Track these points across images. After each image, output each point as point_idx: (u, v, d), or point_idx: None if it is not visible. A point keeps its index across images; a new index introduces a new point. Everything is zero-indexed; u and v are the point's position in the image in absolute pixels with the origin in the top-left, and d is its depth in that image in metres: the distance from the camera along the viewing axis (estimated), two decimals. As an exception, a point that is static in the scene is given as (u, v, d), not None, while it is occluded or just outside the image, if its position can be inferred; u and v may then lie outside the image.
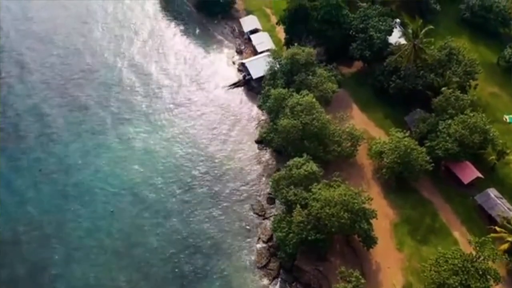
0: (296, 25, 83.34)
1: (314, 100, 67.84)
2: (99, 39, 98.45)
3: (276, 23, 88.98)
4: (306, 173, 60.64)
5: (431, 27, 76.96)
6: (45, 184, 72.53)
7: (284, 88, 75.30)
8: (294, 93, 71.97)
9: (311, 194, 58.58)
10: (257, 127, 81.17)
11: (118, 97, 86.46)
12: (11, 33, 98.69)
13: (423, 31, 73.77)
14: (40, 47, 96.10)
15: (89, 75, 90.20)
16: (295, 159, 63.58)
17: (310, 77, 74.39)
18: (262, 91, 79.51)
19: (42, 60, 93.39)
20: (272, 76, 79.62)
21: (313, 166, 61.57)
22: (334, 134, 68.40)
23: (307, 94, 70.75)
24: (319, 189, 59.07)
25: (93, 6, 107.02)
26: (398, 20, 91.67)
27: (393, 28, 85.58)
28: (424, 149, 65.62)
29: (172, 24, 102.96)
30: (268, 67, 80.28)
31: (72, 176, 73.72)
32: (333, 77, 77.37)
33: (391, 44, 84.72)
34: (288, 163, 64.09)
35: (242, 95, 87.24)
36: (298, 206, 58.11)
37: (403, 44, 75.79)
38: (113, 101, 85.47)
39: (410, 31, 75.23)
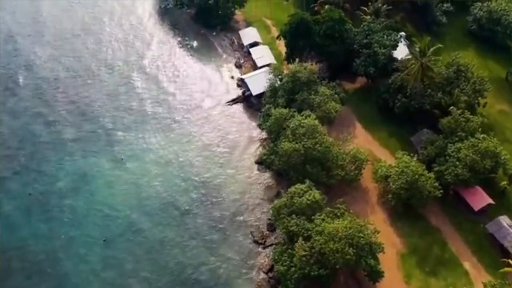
0: (297, 40, 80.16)
1: (316, 122, 64.71)
2: (94, 52, 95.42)
3: (277, 37, 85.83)
4: (308, 202, 57.48)
5: (440, 45, 73.88)
6: (36, 209, 69.28)
7: (285, 107, 72.23)
8: (296, 114, 68.91)
9: (314, 225, 55.44)
10: (257, 147, 77.91)
11: (112, 114, 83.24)
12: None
13: (431, 49, 70.60)
14: (33, 60, 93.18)
15: (82, 91, 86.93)
16: (296, 186, 60.44)
17: (312, 96, 71.26)
18: (262, 110, 76.41)
19: (34, 75, 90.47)
20: (272, 93, 76.50)
21: (316, 195, 58.40)
22: (338, 157, 65.28)
23: (309, 115, 67.66)
24: (323, 219, 55.94)
25: (85, 18, 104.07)
26: (403, 34, 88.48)
27: (398, 42, 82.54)
28: (432, 175, 62.44)
29: (170, 36, 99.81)
30: (269, 84, 77.33)
31: (64, 200, 70.47)
32: (336, 95, 74.27)
33: (396, 58, 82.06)
34: (289, 190, 60.94)
35: (242, 112, 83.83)
36: (301, 238, 54.95)
37: (409, 61, 72.57)
38: (107, 119, 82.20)
39: (417, 49, 72.03)
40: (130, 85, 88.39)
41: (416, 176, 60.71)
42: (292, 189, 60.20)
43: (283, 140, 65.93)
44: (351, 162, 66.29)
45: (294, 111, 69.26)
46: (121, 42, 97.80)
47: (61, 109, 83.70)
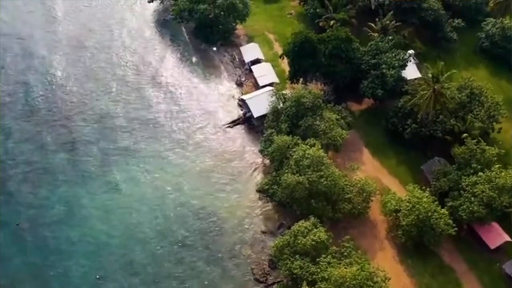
0: (301, 60, 76.10)
1: (322, 153, 60.70)
2: (87, 67, 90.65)
3: (280, 57, 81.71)
4: (313, 242, 53.52)
5: (454, 71, 69.84)
6: (24, 240, 65.28)
7: (288, 133, 68.19)
8: (300, 141, 64.93)
9: (319, 269, 51.46)
10: (258, 174, 73.82)
11: (106, 135, 78.86)
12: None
13: (445, 75, 66.57)
14: (24, 77, 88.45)
15: (76, 109, 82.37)
16: (300, 223, 56.50)
17: (317, 122, 67.24)
18: (264, 134, 72.31)
19: (25, 92, 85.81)
20: (274, 116, 72.42)
21: (321, 234, 54.40)
22: (345, 189, 61.28)
23: (314, 144, 63.69)
24: (329, 262, 51.98)
25: (77, 32, 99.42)
26: (412, 52, 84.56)
27: (407, 62, 78.60)
28: (446, 211, 58.37)
29: (168, 51, 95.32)
30: (271, 106, 73.27)
31: (54, 231, 66.23)
32: (342, 120, 70.30)
33: (404, 78, 78.08)
34: (292, 228, 57.01)
35: (242, 135, 79.58)
36: (305, 283, 51.02)
37: (420, 85, 68.37)
38: (101, 141, 77.63)
39: (429, 74, 67.94)
40: (124, 105, 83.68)
41: (429, 214, 56.69)
42: (296, 227, 56.29)
43: (286, 171, 62.02)
44: (358, 194, 62.29)
45: (298, 139, 65.28)
46: (116, 57, 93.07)
47: (53, 130, 79.84)
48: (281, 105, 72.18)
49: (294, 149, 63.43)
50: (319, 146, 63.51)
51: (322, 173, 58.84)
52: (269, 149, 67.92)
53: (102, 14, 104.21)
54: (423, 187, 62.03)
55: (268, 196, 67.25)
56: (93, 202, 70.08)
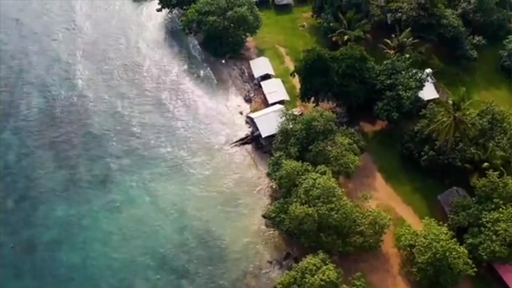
0: (313, 78, 72.56)
1: (333, 184, 57.13)
2: (89, 80, 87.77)
3: (291, 74, 78.13)
4: (322, 282, 50.08)
5: (477, 99, 65.84)
6: (20, 263, 62.60)
7: (297, 157, 64.78)
8: (309, 168, 61.47)
9: (328, 313, 48.16)
10: (265, 198, 70.46)
11: (108, 151, 76.06)
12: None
13: (467, 103, 62.67)
14: (23, 88, 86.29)
15: (77, 124, 79.84)
16: (308, 259, 53.07)
17: (329, 147, 63.75)
18: (272, 157, 68.95)
19: (27, 102, 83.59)
20: (283, 138, 68.92)
21: (330, 273, 50.89)
22: (356, 222, 57.70)
23: (325, 172, 60.21)
24: (338, 305, 48.67)
25: (80, 43, 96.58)
26: (429, 71, 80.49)
27: (424, 82, 74.79)
28: (465, 250, 54.47)
29: (175, 63, 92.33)
30: (280, 127, 69.88)
31: (52, 253, 63.63)
32: (355, 144, 66.67)
33: (421, 99, 74.33)
34: (300, 264, 53.61)
35: (249, 154, 76.10)
36: (312, 326, 47.80)
37: (439, 112, 64.33)
38: (104, 158, 74.99)
39: (450, 101, 64.02)
40: (127, 122, 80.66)
41: (447, 253, 52.89)
42: (304, 263, 52.86)
43: (295, 200, 58.61)
44: (370, 226, 58.64)
45: (308, 165, 61.81)
46: (119, 71, 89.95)
47: (54, 145, 77.36)
48: (291, 126, 68.84)
49: (303, 177, 60.00)
50: (330, 175, 60.03)
51: (333, 205, 55.33)
52: (277, 173, 64.50)
53: (107, 24, 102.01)
54: (440, 222, 58.07)
55: (274, 224, 63.86)
56: (93, 223, 67.48)
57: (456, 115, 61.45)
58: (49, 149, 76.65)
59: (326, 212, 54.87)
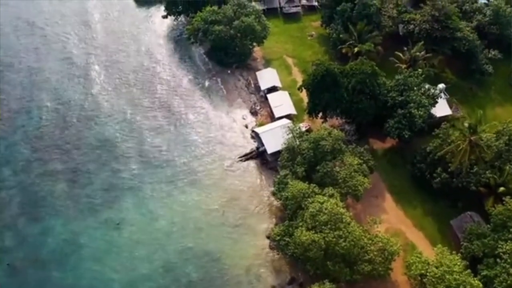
0: (322, 93, 69.90)
1: (341, 209, 54.46)
2: (92, 89, 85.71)
3: (298, 88, 75.43)
4: (328, 315, 47.67)
5: (495, 122, 62.81)
6: (15, 282, 60.86)
7: (304, 177, 62.24)
8: (316, 190, 58.77)
9: None
10: (269, 216, 68.04)
11: (110, 164, 73.83)
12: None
13: (484, 127, 59.70)
14: (25, 95, 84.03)
15: (78, 135, 77.62)
16: (314, 289, 50.62)
17: (337, 168, 61.11)
18: (278, 176, 66.42)
19: (27, 112, 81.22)
20: (290, 155, 66.25)
21: (337, 306, 48.51)
22: (364, 248, 54.97)
23: (333, 195, 57.59)
24: None
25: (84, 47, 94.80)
26: (442, 86, 77.95)
27: (437, 99, 71.97)
28: (479, 284, 51.50)
29: (179, 73, 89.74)
30: (286, 144, 67.24)
31: (48, 272, 61.67)
32: (364, 164, 63.94)
33: (433, 115, 71.65)
34: (305, 295, 51.23)
35: (255, 171, 73.61)
36: None
37: (453, 134, 61.30)
38: (105, 171, 72.83)
39: (466, 124, 61.08)
40: (129, 133, 78.25)
41: (460, 287, 50.02)
42: (309, 293, 50.44)
43: (300, 224, 56.04)
44: (379, 252, 55.91)
45: (315, 187, 59.16)
46: (123, 79, 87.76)
47: (54, 157, 75.01)
48: (297, 143, 66.21)
49: (310, 199, 57.40)
50: (338, 198, 57.41)
51: (340, 232, 52.64)
52: (283, 193, 61.98)
53: (112, 29, 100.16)
54: (453, 252, 55.11)
55: (279, 247, 61.27)
56: (91, 241, 65.37)
57: (472, 138, 58.54)
58: (48, 161, 74.56)
59: (334, 239, 52.23)
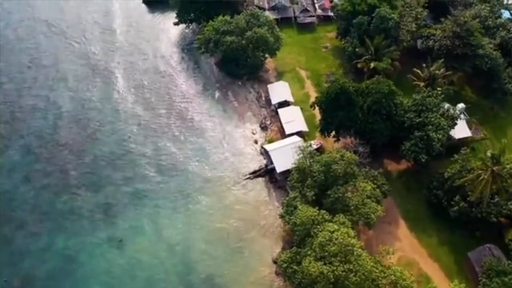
0: (335, 112, 66.99)
1: (352, 240, 51.52)
2: (97, 98, 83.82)
3: (311, 106, 72.45)
4: None
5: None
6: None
7: (314, 201, 59.51)
8: (327, 217, 55.79)
9: None
10: (276, 239, 65.20)
11: (114, 179, 71.77)
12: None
13: (508, 157, 56.22)
14: (25, 109, 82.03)
15: (83, 148, 75.78)
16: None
17: (349, 193, 58.20)
18: (287, 197, 63.68)
19: (28, 123, 79.64)
20: (300, 176, 63.42)
21: None
22: (376, 281, 51.90)
23: (343, 223, 54.69)
24: None
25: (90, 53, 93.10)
26: (462, 106, 74.55)
27: (456, 120, 68.55)
28: (499, 326, 48.58)
29: (189, 83, 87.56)
30: (296, 163, 64.37)
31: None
32: (377, 190, 60.86)
33: (452, 137, 68.26)
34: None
35: (262, 189, 70.89)
36: None
37: (475, 164, 57.92)
38: (108, 186, 70.74)
39: (488, 154, 57.69)
40: (133, 146, 75.95)
41: (479, 329, 47.10)
42: (316, 331, 47.64)
43: (309, 253, 53.23)
44: (391, 286, 52.80)
45: (325, 214, 56.27)
46: (131, 87, 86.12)
47: (57, 169, 73.40)
48: (308, 163, 63.35)
49: (319, 227, 54.59)
50: (349, 226, 54.50)
51: (351, 266, 49.74)
52: (291, 217, 59.16)
53: (122, 36, 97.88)
54: (471, 288, 52.23)
55: (286, 275, 58.41)
56: (92, 259, 63.38)
57: (494, 169, 55.12)
58: (52, 172, 72.88)
59: (343, 273, 49.36)
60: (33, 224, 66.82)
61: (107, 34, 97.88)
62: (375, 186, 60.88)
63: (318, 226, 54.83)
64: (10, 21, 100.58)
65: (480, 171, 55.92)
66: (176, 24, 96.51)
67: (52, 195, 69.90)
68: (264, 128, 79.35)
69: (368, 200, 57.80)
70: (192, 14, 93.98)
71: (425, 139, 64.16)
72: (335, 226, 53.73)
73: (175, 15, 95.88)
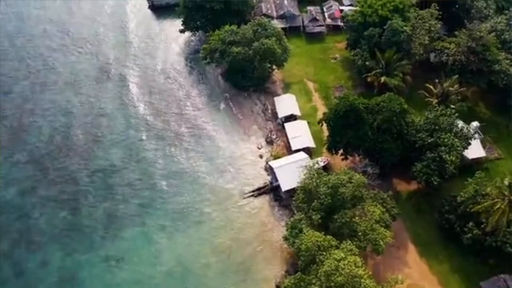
0: (344, 130, 64.41)
1: (360, 271, 48.89)
2: (99, 110, 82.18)
3: (318, 122, 69.81)
4: None
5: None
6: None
7: (320, 225, 56.96)
8: (333, 243, 53.32)
9: None
10: (279, 262, 62.70)
11: (114, 193, 70.02)
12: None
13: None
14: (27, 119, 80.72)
15: (84, 158, 74.28)
16: None
17: (357, 218, 55.66)
18: (291, 218, 61.17)
19: (28, 132, 78.26)
20: (306, 197, 60.93)
21: None
22: (384, 314, 49.69)
23: (351, 250, 52.18)
24: None
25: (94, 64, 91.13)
26: (476, 125, 71.57)
27: (471, 140, 65.70)
28: None
29: (193, 94, 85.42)
30: (302, 183, 61.90)
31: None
32: (386, 214, 58.25)
33: (465, 158, 65.46)
34: None
35: (266, 208, 68.56)
36: None
37: (490, 189, 55.11)
38: (108, 201, 68.98)
39: (505, 182, 54.77)
40: (135, 160, 74.09)
41: None
42: None
43: (313, 281, 50.78)
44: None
45: (331, 240, 53.78)
46: (133, 97, 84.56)
47: (57, 181, 71.53)
48: (315, 184, 60.81)
49: (325, 253, 52.13)
50: (357, 252, 51.96)
51: (358, 299, 47.47)
52: (296, 240, 56.74)
53: (127, 43, 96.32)
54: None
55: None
56: (89, 278, 61.76)
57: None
58: (53, 185, 71.30)
59: (350, 307, 47.06)
60: (31, 239, 65.10)
61: (109, 41, 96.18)
62: (384, 209, 58.25)
63: (324, 253, 52.38)
64: (23, 24, 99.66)
65: (496, 200, 53.04)
66: (182, 31, 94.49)
67: (51, 209, 68.21)
68: (270, 142, 76.87)
69: (377, 225, 55.19)
70: (198, 22, 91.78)
71: (438, 161, 61.32)
72: (342, 254, 51.20)
73: (181, 22, 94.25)
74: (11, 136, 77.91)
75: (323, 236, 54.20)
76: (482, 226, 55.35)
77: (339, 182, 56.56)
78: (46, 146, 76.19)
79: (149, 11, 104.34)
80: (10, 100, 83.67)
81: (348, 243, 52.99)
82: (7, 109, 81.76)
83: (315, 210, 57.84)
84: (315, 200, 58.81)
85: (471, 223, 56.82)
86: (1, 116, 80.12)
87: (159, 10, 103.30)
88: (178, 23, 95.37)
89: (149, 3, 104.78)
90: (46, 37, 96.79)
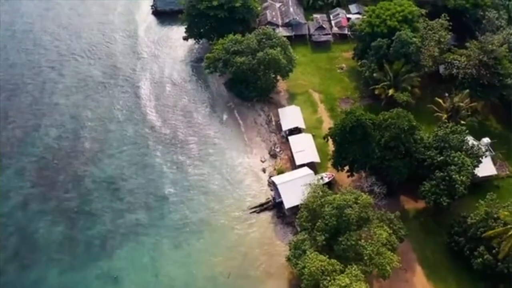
0: (350, 146, 62.29)
1: (365, 299, 47.12)
2: (99, 117, 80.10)
3: (324, 138, 67.60)
4: None
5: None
6: None
7: (324, 246, 54.88)
8: (338, 267, 51.29)
9: None
10: (282, 283, 60.67)
11: (113, 207, 67.71)
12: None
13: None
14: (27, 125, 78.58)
15: (83, 172, 72.01)
16: None
17: (363, 241, 53.56)
18: (295, 239, 59.00)
19: (24, 141, 75.98)
20: (310, 215, 58.85)
21: None
22: None
23: (356, 275, 50.12)
24: None
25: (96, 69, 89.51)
26: (487, 141, 69.33)
27: (482, 158, 63.37)
28: None
29: (196, 103, 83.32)
30: (306, 200, 59.92)
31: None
32: (393, 236, 56.06)
33: (476, 176, 63.11)
34: None
35: (269, 225, 66.29)
36: None
37: (505, 219, 52.71)
38: (107, 215, 66.77)
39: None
40: (133, 172, 71.87)
41: None
42: None
43: (317, 309, 49.10)
44: None
45: (336, 264, 51.70)
46: (131, 105, 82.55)
47: (55, 193, 69.64)
48: (319, 202, 58.71)
49: (329, 278, 50.10)
50: (362, 278, 49.89)
51: (363, 328, 45.47)
52: (299, 262, 54.71)
53: (129, 49, 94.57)
54: None
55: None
56: (85, 296, 60.13)
57: (526, 224, 50.29)
58: (49, 198, 69.15)
59: (355, 336, 45.03)
60: (26, 255, 63.00)
61: (109, 46, 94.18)
62: (391, 231, 56.04)
63: (328, 277, 50.38)
64: (33, 27, 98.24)
65: (509, 226, 50.78)
66: (185, 39, 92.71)
67: (47, 224, 66.26)
68: (273, 155, 74.68)
69: (383, 248, 53.03)
70: (202, 30, 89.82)
71: (447, 181, 59.06)
72: (347, 280, 49.19)
73: (184, 28, 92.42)
74: (14, 143, 75.92)
75: (328, 260, 52.10)
76: (494, 251, 53.14)
77: (345, 202, 54.43)
78: (48, 154, 74.11)
79: (152, 16, 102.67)
80: (16, 106, 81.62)
81: (354, 268, 50.93)
82: (11, 116, 79.83)
83: (319, 230, 55.69)
84: (319, 220, 56.70)
85: (482, 247, 54.57)
86: (5, 121, 78.50)
87: (163, 16, 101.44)
88: (181, 30, 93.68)
89: (152, 8, 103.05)
90: (53, 42, 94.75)
